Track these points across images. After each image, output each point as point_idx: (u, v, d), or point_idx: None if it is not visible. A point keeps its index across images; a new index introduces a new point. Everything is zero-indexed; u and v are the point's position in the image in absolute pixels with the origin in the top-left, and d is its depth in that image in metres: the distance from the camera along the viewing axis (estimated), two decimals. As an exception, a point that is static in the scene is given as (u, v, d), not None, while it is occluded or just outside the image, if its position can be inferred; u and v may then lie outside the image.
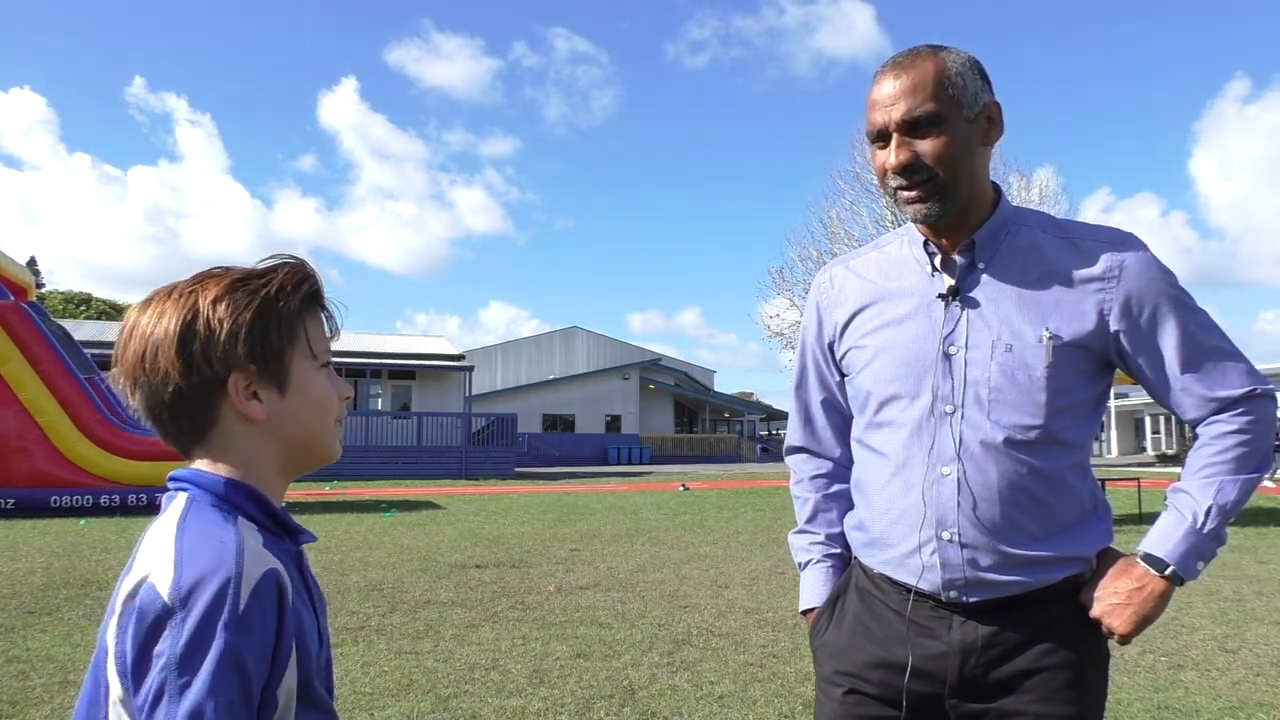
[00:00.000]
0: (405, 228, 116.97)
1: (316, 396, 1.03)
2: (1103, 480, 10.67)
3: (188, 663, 0.82)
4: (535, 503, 15.78)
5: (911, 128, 1.36)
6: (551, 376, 45.19)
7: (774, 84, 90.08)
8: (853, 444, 1.58)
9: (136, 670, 0.85)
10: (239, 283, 1.00)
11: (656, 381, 45.85)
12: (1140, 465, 30.96)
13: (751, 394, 63.03)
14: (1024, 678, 1.37)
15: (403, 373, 30.22)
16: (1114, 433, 45.64)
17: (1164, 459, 35.97)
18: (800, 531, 1.67)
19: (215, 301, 0.97)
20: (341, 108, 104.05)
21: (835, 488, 1.64)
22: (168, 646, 0.83)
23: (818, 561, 1.62)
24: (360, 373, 28.59)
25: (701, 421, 51.24)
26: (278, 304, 1.00)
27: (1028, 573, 1.36)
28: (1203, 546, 1.35)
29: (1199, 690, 4.22)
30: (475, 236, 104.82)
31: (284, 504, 1.05)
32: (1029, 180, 21.79)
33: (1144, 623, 1.35)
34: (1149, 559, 1.36)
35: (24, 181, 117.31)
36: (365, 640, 5.12)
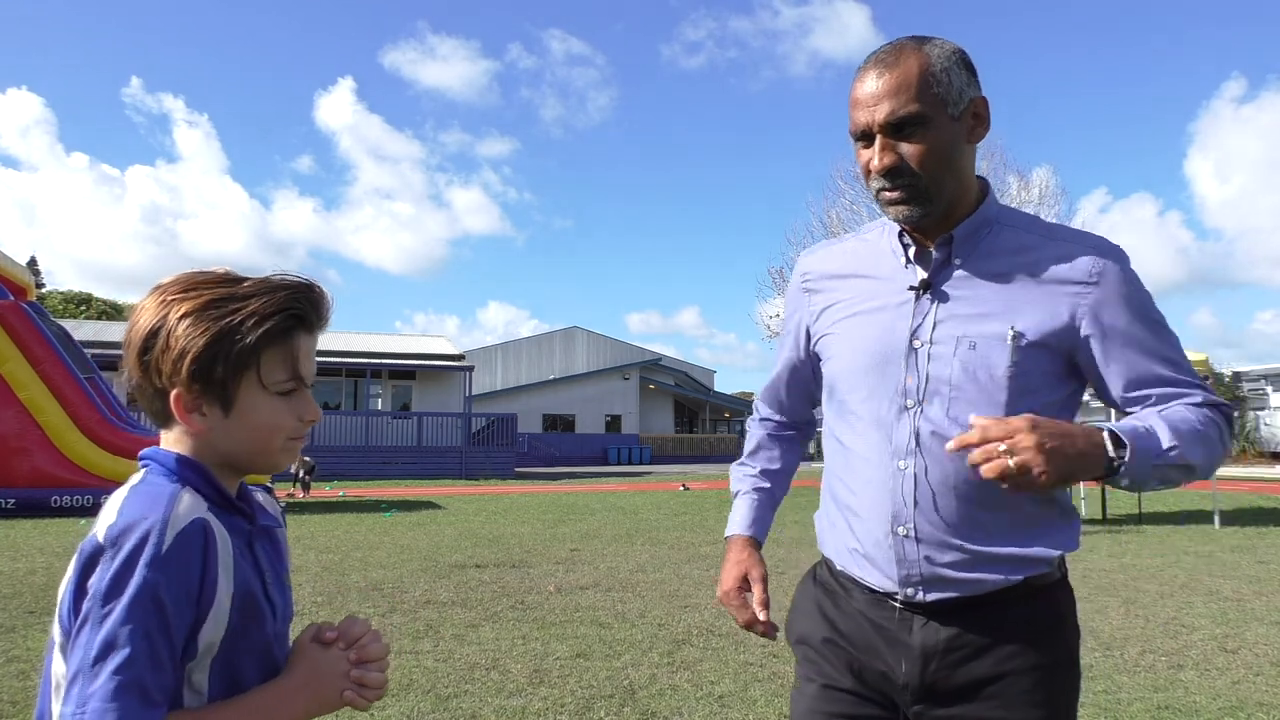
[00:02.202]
0: (403, 228, 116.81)
1: (260, 423, 1.06)
2: (1103, 480, 10.63)
3: (110, 594, 0.91)
4: (535, 503, 15.79)
5: (895, 129, 1.33)
6: (551, 376, 45.19)
7: (770, 84, 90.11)
8: (824, 436, 1.58)
9: (74, 605, 0.94)
10: (212, 304, 1.03)
11: (656, 381, 45.85)
12: (1140, 465, 30.87)
13: (751, 394, 62.99)
14: (987, 683, 1.34)
15: (403, 373, 30.21)
16: (1114, 433, 45.51)
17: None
18: (740, 464, 1.75)
19: (181, 318, 1.02)
20: (339, 109, 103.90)
21: (784, 433, 1.74)
22: (95, 580, 0.92)
23: (745, 493, 1.69)
24: (360, 373, 28.59)
25: (701, 421, 51.24)
26: (233, 336, 1.02)
27: (985, 570, 1.34)
28: (1157, 456, 1.25)
29: (1199, 690, 4.23)
30: (473, 236, 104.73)
31: (266, 485, 1.09)
32: (1027, 180, 21.79)
33: (1066, 467, 1.18)
34: (1111, 433, 1.24)
35: (23, 181, 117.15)
36: (365, 640, 5.12)
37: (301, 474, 17.67)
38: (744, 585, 1.59)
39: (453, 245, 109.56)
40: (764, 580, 1.58)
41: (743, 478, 1.71)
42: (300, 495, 17.14)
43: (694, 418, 50.95)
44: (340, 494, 18.15)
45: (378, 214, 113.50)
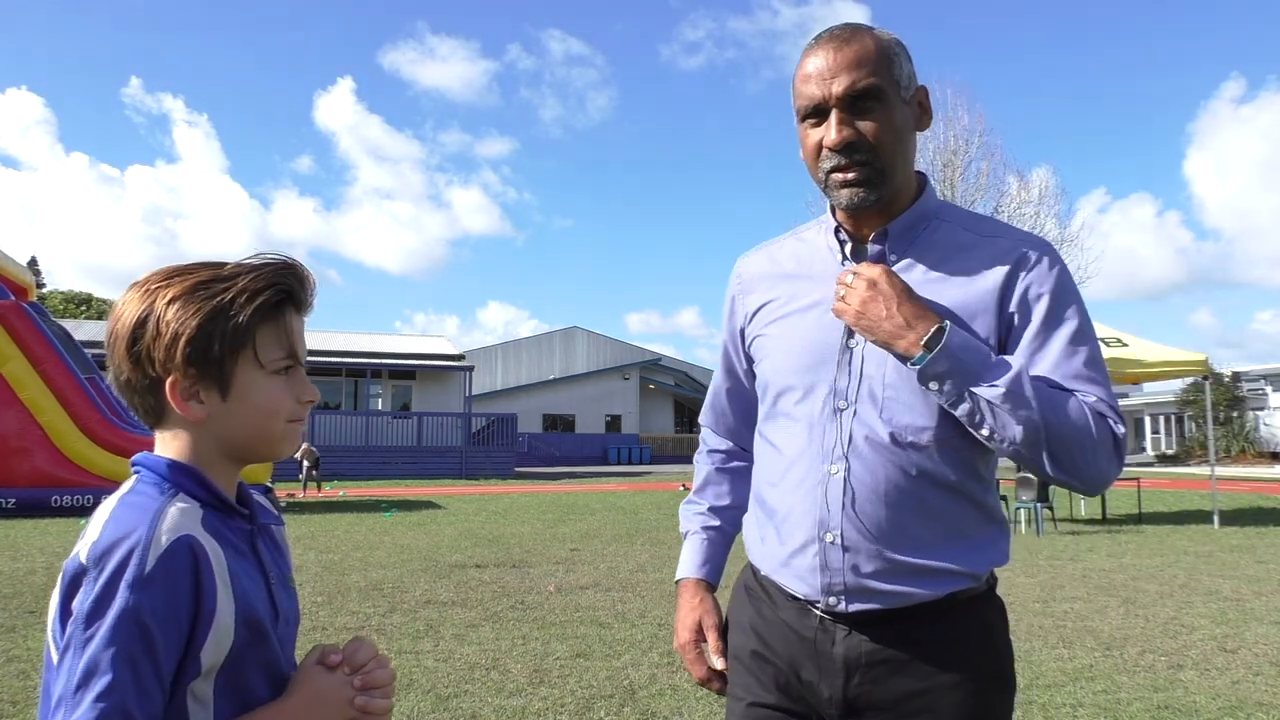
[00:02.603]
0: (403, 228, 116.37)
1: (259, 403, 1.04)
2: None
3: (92, 618, 0.88)
4: (535, 503, 15.80)
5: (852, 102, 1.28)
6: (551, 376, 45.21)
7: (769, 84, 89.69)
8: (755, 438, 1.51)
9: (61, 627, 0.91)
10: (200, 286, 1.01)
11: (656, 381, 45.87)
12: (1140, 465, 30.97)
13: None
14: (912, 698, 1.29)
15: (403, 373, 30.22)
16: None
17: (1164, 459, 35.99)
18: (689, 502, 1.67)
19: (170, 303, 1.00)
20: (338, 109, 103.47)
21: (732, 464, 1.64)
22: (78, 602, 0.89)
23: (695, 533, 1.61)
24: (360, 373, 28.60)
25: (701, 421, 51.25)
26: (227, 313, 1.00)
27: (912, 582, 1.28)
28: (982, 384, 1.20)
29: (1199, 690, 4.23)
30: (473, 237, 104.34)
31: (265, 485, 1.07)
32: (1027, 180, 21.83)
33: (871, 328, 1.25)
34: (939, 332, 1.22)
35: (23, 181, 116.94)
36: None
37: (306, 465, 17.67)
38: (700, 635, 1.51)
39: (453, 245, 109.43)
40: (718, 628, 1.51)
41: (691, 516, 1.63)
42: (301, 495, 17.16)
43: (694, 417, 50.82)
44: (340, 494, 18.16)
45: (377, 214, 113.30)
